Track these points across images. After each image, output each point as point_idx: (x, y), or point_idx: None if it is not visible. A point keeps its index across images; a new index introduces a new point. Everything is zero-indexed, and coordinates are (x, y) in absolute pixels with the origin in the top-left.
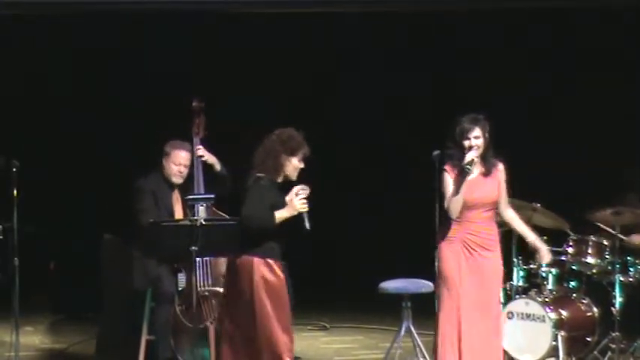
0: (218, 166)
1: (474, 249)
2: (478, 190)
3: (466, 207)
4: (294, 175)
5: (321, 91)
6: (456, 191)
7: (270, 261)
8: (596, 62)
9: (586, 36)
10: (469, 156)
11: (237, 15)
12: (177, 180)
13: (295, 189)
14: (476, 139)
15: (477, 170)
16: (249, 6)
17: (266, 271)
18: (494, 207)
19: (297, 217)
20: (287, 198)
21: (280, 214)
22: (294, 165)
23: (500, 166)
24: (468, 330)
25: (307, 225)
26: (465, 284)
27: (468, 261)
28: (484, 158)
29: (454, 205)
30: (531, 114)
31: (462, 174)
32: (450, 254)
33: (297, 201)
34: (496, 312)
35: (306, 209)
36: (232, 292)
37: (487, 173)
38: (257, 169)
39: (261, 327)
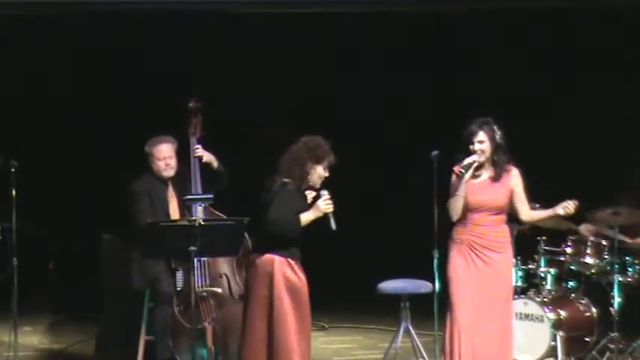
0: (215, 164)
1: (479, 251)
2: (484, 194)
3: (470, 209)
4: (318, 183)
5: (321, 91)
6: (454, 193)
7: (292, 261)
8: (596, 62)
9: (586, 36)
10: (467, 160)
11: (237, 15)
12: (167, 174)
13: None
14: (480, 143)
15: (486, 174)
16: (249, 6)
17: (288, 271)
18: (503, 211)
19: (322, 218)
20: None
21: (307, 217)
22: (319, 173)
23: (515, 172)
24: (467, 332)
25: (333, 225)
26: (471, 285)
27: (475, 262)
28: (494, 162)
29: (452, 206)
30: (531, 114)
31: (459, 176)
32: (457, 255)
33: (322, 202)
34: (504, 314)
35: (332, 210)
36: (251, 294)
37: (496, 178)
38: (283, 175)
39: (277, 326)
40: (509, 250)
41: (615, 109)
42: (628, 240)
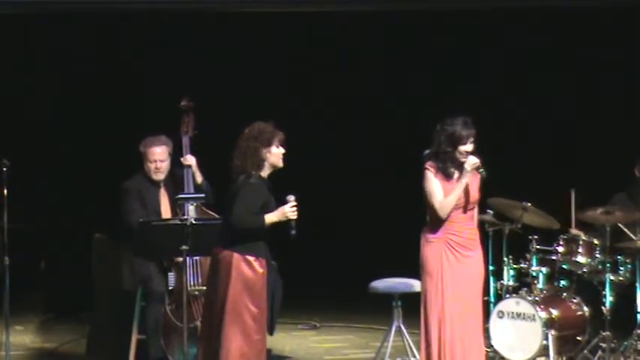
0: (199, 179)
1: (456, 249)
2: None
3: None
4: (280, 163)
5: (321, 91)
6: (452, 194)
7: (251, 258)
8: (597, 62)
9: (586, 36)
10: (474, 159)
11: (236, 15)
12: (157, 177)
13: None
14: (472, 143)
15: (457, 172)
16: (248, 6)
17: (246, 268)
18: (475, 206)
19: (285, 222)
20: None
21: (270, 218)
22: (274, 153)
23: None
24: (451, 327)
25: (293, 232)
26: (450, 283)
27: (451, 261)
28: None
29: (448, 206)
30: (531, 113)
31: (462, 176)
32: (434, 254)
33: (288, 208)
34: (479, 311)
35: (295, 217)
36: (210, 289)
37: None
38: (240, 171)
39: (227, 326)
40: (480, 248)
41: (615, 109)
42: (624, 245)
